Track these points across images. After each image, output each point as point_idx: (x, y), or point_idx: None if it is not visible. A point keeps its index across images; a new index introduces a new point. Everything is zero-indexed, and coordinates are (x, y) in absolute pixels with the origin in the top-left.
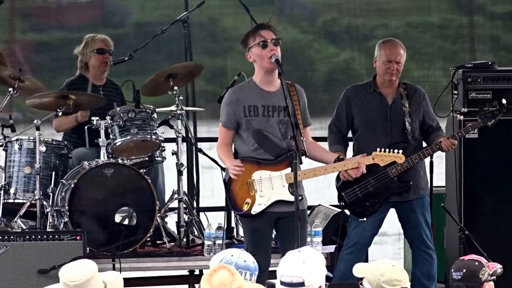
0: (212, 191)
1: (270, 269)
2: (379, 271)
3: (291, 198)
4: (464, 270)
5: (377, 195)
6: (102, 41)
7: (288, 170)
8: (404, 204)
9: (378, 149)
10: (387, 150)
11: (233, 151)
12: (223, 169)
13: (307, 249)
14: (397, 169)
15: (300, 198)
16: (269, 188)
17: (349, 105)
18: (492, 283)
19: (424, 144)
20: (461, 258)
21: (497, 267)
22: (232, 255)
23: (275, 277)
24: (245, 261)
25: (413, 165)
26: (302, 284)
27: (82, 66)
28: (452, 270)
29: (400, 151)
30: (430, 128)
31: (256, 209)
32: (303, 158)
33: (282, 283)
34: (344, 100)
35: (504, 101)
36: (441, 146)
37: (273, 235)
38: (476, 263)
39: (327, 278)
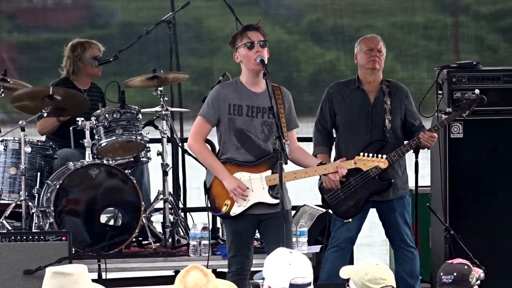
0: (199, 191)
1: (253, 269)
2: (363, 271)
3: (271, 201)
4: (455, 274)
5: (360, 195)
6: (99, 49)
7: (269, 172)
8: (384, 204)
9: (362, 154)
10: (370, 154)
11: (218, 149)
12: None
13: (295, 250)
14: (377, 167)
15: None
16: (249, 190)
17: (331, 102)
18: (476, 287)
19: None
20: (448, 261)
21: (480, 272)
22: None
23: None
24: None
25: (392, 163)
26: (310, 284)
27: (71, 69)
28: (441, 274)
29: (384, 156)
30: (413, 127)
31: (235, 210)
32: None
33: (294, 285)
34: (327, 97)
35: (477, 91)
36: (419, 140)
37: (258, 236)
38: (466, 267)
39: None
